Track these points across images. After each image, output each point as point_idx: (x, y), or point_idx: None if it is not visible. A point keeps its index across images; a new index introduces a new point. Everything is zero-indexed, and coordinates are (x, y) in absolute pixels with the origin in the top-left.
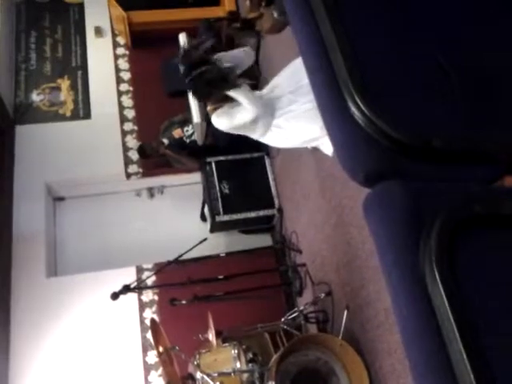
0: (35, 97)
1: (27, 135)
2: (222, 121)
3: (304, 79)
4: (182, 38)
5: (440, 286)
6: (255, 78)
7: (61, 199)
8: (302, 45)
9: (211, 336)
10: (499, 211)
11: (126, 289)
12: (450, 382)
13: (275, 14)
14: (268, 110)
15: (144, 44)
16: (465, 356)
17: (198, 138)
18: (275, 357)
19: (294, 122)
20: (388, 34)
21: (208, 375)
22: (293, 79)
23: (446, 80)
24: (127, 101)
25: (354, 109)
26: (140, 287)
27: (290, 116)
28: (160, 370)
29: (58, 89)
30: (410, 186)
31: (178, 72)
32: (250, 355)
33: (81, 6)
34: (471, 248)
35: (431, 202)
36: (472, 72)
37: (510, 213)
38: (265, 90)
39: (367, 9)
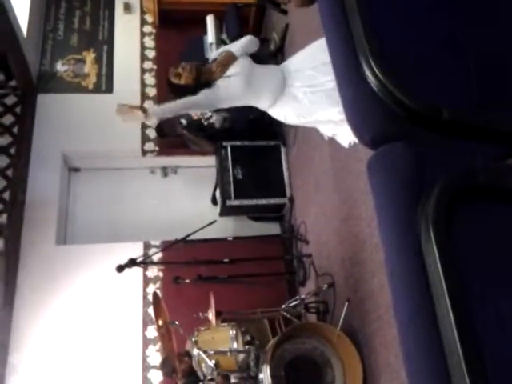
0: (60, 67)
1: (48, 104)
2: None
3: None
4: (210, 21)
5: (434, 244)
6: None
7: (76, 170)
8: (324, 7)
9: (211, 315)
10: (503, 185)
11: (132, 262)
12: (434, 337)
13: None
14: (281, 80)
15: (171, 24)
16: (451, 314)
17: (216, 120)
18: (273, 341)
19: (314, 97)
20: (409, 5)
21: (204, 352)
22: (317, 56)
23: (463, 56)
24: (150, 79)
25: (367, 71)
26: (146, 262)
27: (309, 90)
28: (158, 345)
29: (83, 61)
30: (415, 149)
31: (202, 54)
32: (248, 338)
33: None
34: (470, 215)
35: (435, 166)
36: (489, 51)
37: None
38: (285, 62)
39: None
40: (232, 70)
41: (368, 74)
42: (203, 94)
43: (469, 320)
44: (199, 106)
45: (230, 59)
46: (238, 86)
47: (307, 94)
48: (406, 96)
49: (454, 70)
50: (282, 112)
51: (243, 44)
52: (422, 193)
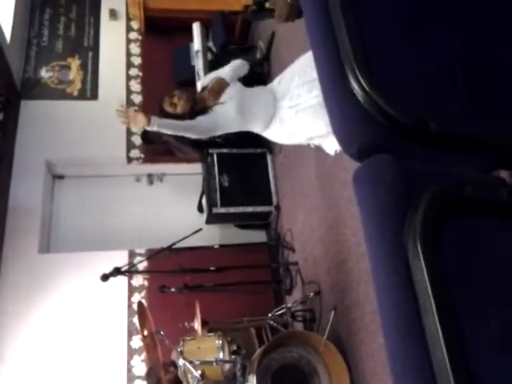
0: (44, 73)
1: (32, 110)
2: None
3: (313, 74)
4: (196, 28)
5: (421, 259)
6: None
7: (60, 177)
8: (310, 18)
9: (197, 324)
10: (489, 197)
11: (117, 271)
12: (421, 350)
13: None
14: (272, 102)
15: (157, 31)
16: (439, 328)
17: None
18: (259, 350)
19: (300, 117)
20: (396, 17)
21: (190, 362)
22: (302, 73)
23: (450, 68)
24: (135, 86)
25: (353, 83)
26: (131, 271)
27: (295, 110)
28: (143, 355)
29: (68, 67)
30: (401, 162)
31: (188, 62)
32: (234, 347)
33: None
34: (458, 228)
35: (422, 179)
36: (476, 63)
37: (500, 200)
38: (273, 83)
39: None
40: (225, 96)
41: (354, 85)
42: (200, 121)
43: (457, 335)
44: (195, 131)
45: (222, 86)
46: (232, 112)
47: (292, 115)
48: (393, 108)
49: (441, 81)
50: (275, 134)
51: (233, 69)
52: (409, 206)
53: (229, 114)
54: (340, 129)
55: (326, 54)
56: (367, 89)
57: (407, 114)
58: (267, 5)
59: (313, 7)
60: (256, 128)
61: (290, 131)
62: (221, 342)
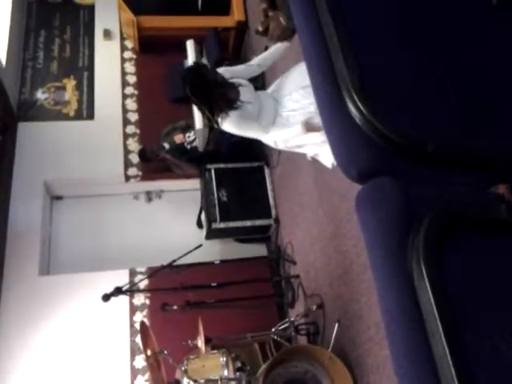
0: (40, 95)
1: (29, 132)
2: (229, 125)
3: (307, 80)
4: (190, 45)
5: (426, 281)
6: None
7: (59, 198)
8: (305, 42)
9: (200, 342)
10: (489, 216)
11: (118, 291)
12: (431, 374)
13: (282, 21)
14: (273, 108)
15: (151, 49)
16: (447, 350)
17: (199, 144)
18: (264, 366)
19: (295, 123)
20: (391, 38)
21: (195, 381)
22: (298, 80)
23: (445, 88)
24: (131, 104)
25: (351, 106)
26: (132, 290)
27: (292, 115)
28: (147, 375)
29: (63, 88)
30: (402, 184)
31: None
32: (239, 364)
33: (91, 8)
34: (460, 248)
35: (423, 201)
36: (471, 81)
37: (500, 218)
38: (271, 88)
39: (373, 11)
40: (246, 97)
41: (352, 109)
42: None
43: (465, 357)
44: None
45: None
46: (250, 112)
47: (289, 119)
48: (391, 130)
49: (437, 101)
50: (272, 138)
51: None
52: (412, 227)
53: (248, 114)
54: (339, 152)
55: (323, 78)
56: (365, 112)
57: (405, 135)
58: (260, 28)
59: (306, 29)
60: (259, 130)
61: (284, 136)
62: (225, 359)
